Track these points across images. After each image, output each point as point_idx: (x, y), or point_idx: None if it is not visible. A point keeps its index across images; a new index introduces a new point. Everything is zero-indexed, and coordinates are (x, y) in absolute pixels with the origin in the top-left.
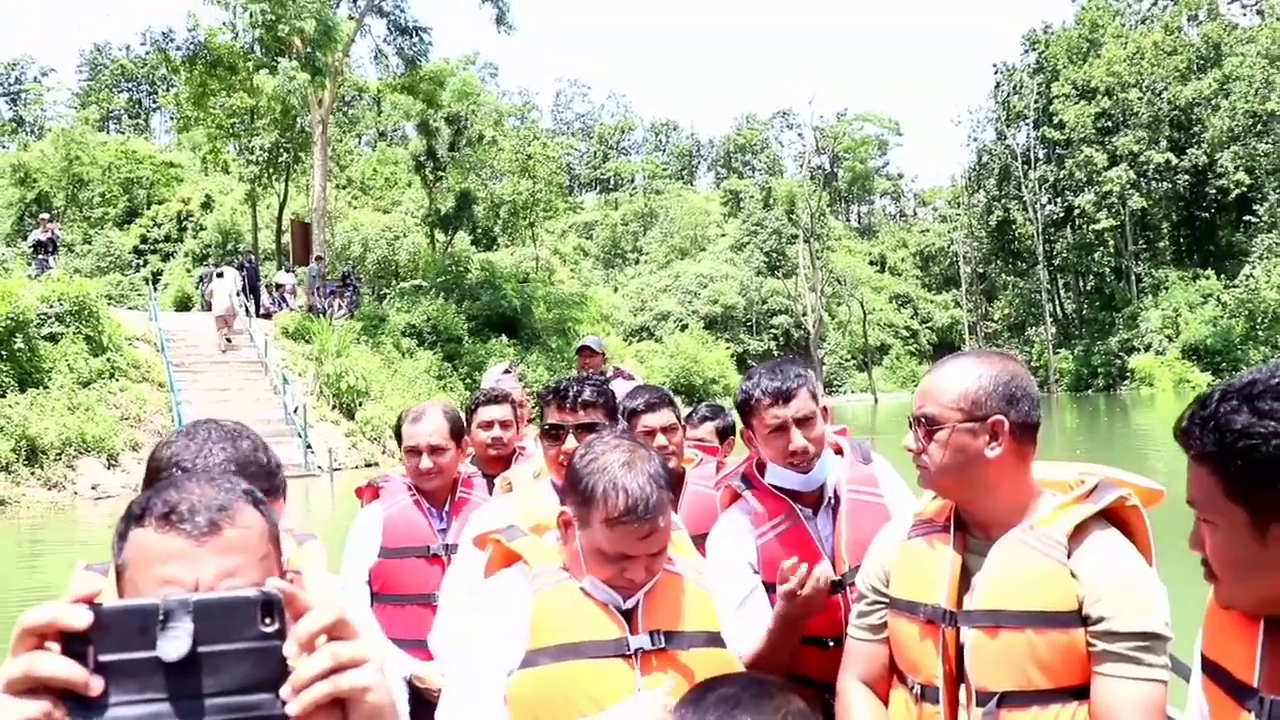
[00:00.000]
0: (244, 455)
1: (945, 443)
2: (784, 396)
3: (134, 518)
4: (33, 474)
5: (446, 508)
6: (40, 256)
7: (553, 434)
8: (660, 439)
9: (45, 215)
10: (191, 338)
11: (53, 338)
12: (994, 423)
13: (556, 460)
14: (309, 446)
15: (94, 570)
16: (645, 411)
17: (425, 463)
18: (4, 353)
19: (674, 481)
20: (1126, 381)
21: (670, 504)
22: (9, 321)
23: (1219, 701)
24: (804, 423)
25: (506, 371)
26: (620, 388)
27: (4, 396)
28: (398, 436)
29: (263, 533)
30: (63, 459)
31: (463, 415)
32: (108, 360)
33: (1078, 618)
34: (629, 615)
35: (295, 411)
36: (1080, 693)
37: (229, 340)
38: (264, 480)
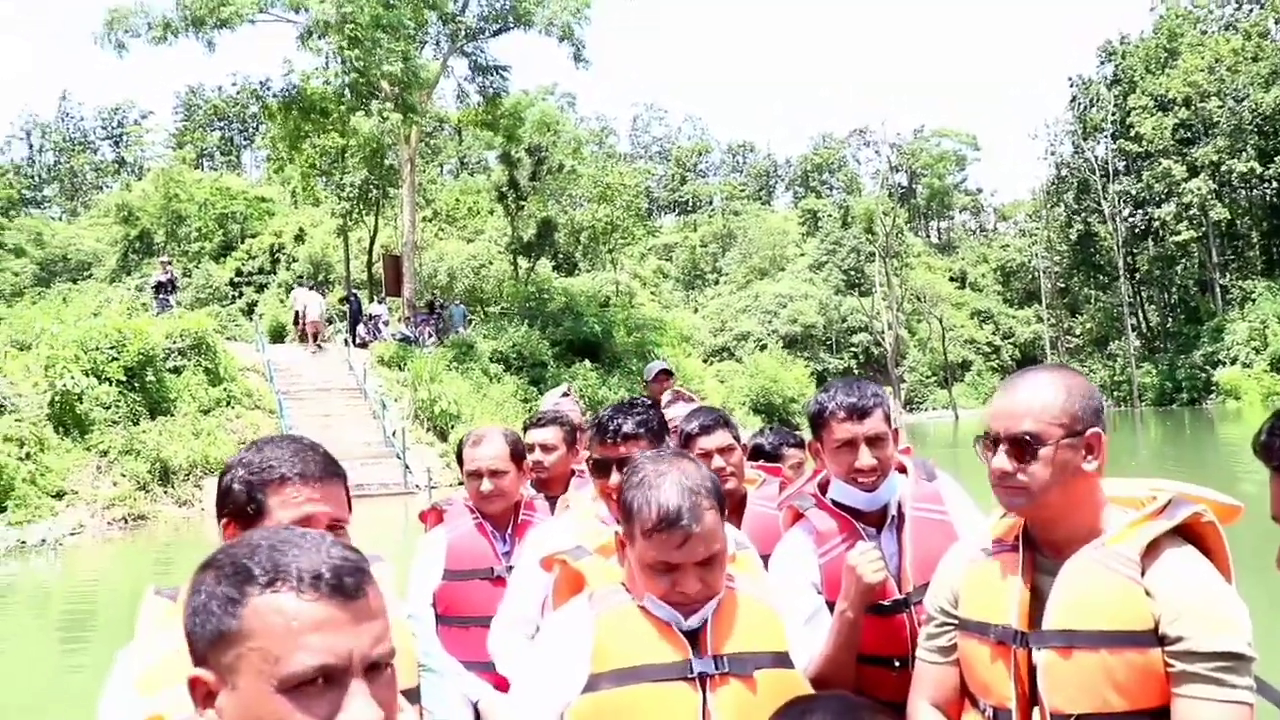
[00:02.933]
0: (302, 447)
1: (1050, 460)
2: (858, 413)
3: (255, 581)
4: (166, 492)
5: (509, 530)
6: (161, 296)
7: (598, 467)
8: (717, 460)
9: (165, 259)
10: (296, 368)
11: (176, 370)
12: (1091, 436)
13: (605, 493)
14: (407, 467)
15: (163, 595)
16: (700, 434)
17: (486, 485)
18: (137, 384)
19: (735, 503)
20: (1212, 395)
21: (718, 513)
22: (141, 357)
23: None
24: (874, 441)
25: (565, 394)
26: (678, 411)
27: (137, 424)
28: (459, 460)
29: (382, 588)
30: (190, 479)
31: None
32: (224, 390)
33: (1154, 637)
34: (695, 637)
35: (393, 434)
36: (1159, 715)
37: (320, 347)
38: (322, 464)
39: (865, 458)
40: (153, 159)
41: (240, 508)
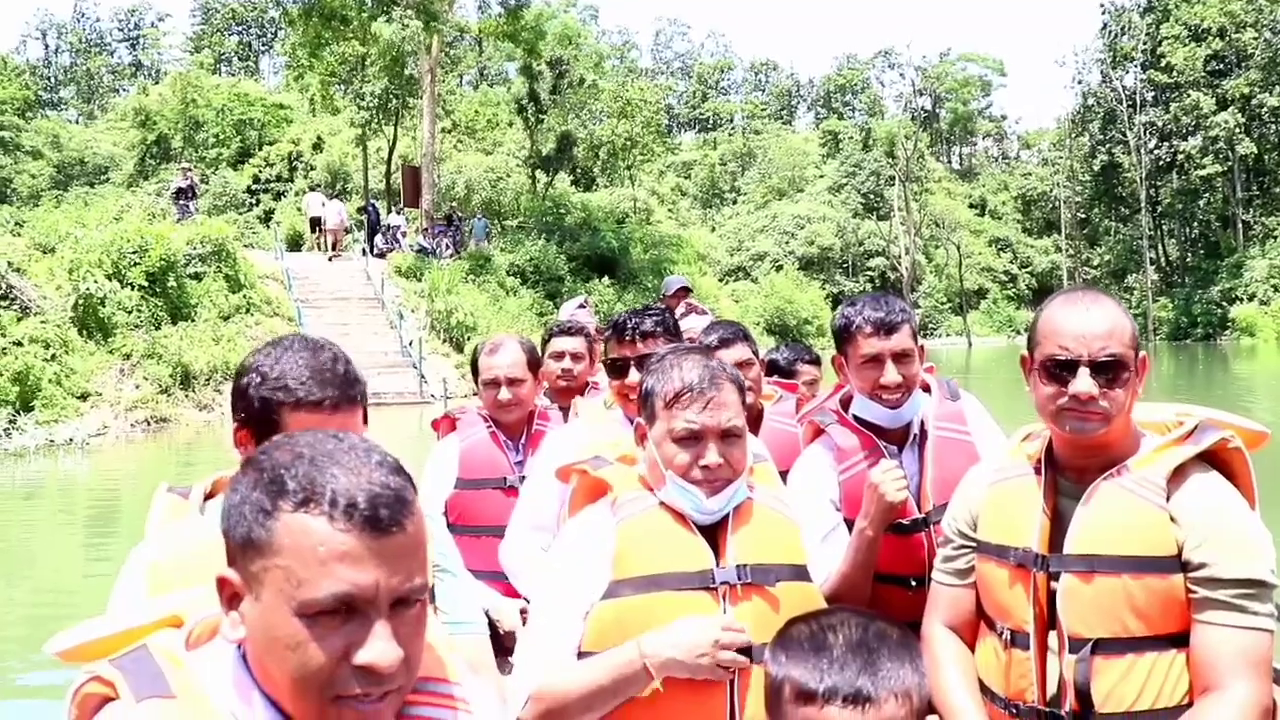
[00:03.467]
0: (321, 364)
1: (1128, 384)
2: (886, 328)
3: (290, 497)
4: (186, 396)
5: (523, 440)
6: (181, 203)
7: (614, 368)
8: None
9: (185, 165)
10: (314, 276)
11: (197, 277)
12: (1144, 358)
13: (621, 394)
14: (423, 377)
15: (175, 492)
16: (719, 347)
17: (503, 394)
18: (159, 289)
19: (752, 418)
20: (1227, 332)
21: (739, 395)
22: (162, 262)
23: None
24: (901, 358)
25: (582, 306)
26: (694, 324)
27: (159, 329)
28: (474, 369)
29: (424, 519)
30: (210, 384)
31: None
32: (244, 296)
33: (1177, 563)
34: (715, 544)
35: (410, 344)
36: (1178, 641)
37: (339, 255)
38: (337, 389)
39: (891, 374)
40: (169, 63)
41: (254, 418)
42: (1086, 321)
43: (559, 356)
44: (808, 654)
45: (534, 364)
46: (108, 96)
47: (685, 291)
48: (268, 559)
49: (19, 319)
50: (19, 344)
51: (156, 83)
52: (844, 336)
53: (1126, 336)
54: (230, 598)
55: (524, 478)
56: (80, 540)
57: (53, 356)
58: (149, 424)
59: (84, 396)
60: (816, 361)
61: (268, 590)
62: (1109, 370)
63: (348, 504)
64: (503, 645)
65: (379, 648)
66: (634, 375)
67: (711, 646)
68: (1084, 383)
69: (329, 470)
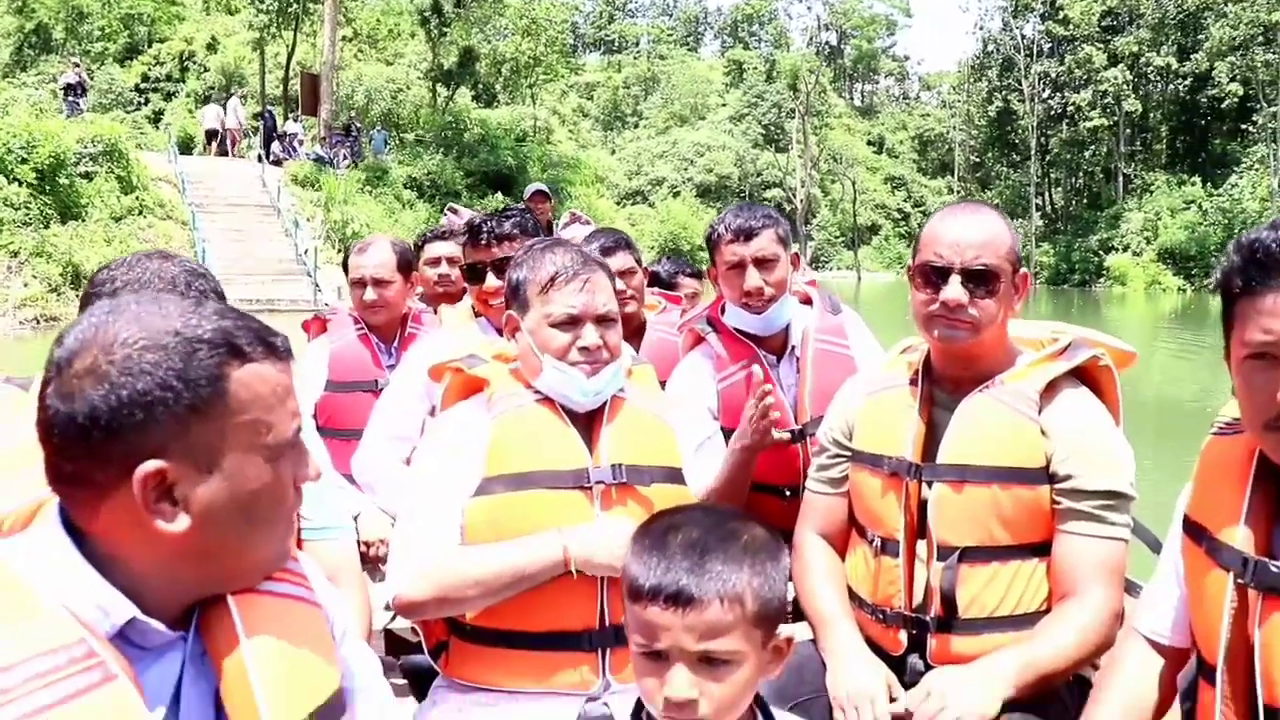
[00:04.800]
0: (172, 278)
1: (1000, 296)
2: (745, 234)
3: (234, 352)
4: (76, 295)
5: (395, 343)
6: (70, 99)
7: (472, 273)
8: (618, 283)
9: (75, 59)
10: (208, 181)
11: (88, 176)
12: (1024, 276)
13: (481, 299)
14: (317, 285)
15: (13, 383)
16: (603, 255)
17: (369, 294)
18: (48, 188)
19: (635, 328)
20: (1102, 280)
21: (610, 281)
22: (51, 160)
23: (1198, 561)
24: (764, 264)
25: (454, 211)
26: (576, 232)
27: (48, 227)
28: (345, 269)
29: None
30: None
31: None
32: (136, 198)
33: (1045, 475)
34: (590, 443)
35: (305, 253)
36: (1040, 550)
37: (240, 156)
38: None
39: (752, 279)
40: None
41: None
42: (962, 230)
43: (435, 262)
44: (646, 550)
45: (405, 266)
46: None
47: (544, 197)
48: (226, 420)
49: None
50: None
51: None
52: (711, 245)
53: (1003, 249)
54: (162, 490)
55: None
56: None
57: None
58: (38, 322)
59: None
60: (698, 275)
61: (233, 450)
62: (980, 279)
63: (263, 343)
64: (367, 555)
65: (311, 460)
66: (492, 280)
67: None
68: (954, 290)
69: (232, 320)
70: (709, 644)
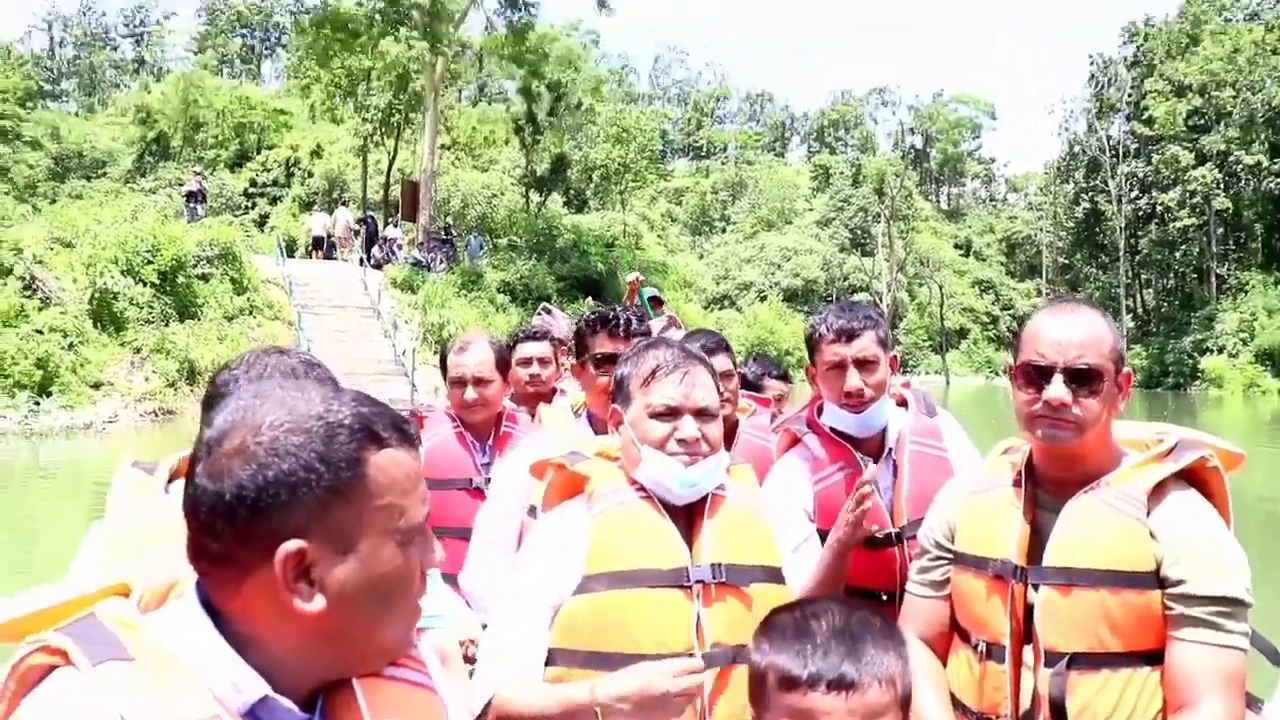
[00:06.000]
0: (291, 368)
1: (1103, 395)
2: (847, 335)
3: (373, 438)
4: (192, 390)
5: (490, 441)
6: (191, 205)
7: (605, 361)
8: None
9: (198, 170)
10: (314, 284)
11: (204, 277)
12: (1127, 374)
13: (606, 390)
14: (414, 385)
15: (140, 467)
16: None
17: (470, 394)
18: (169, 288)
19: (727, 430)
20: (1197, 382)
21: (713, 378)
22: (173, 262)
23: None
24: (864, 365)
25: (548, 311)
26: (673, 335)
27: (168, 325)
28: (443, 367)
29: None
30: None
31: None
32: (248, 299)
33: (1155, 579)
34: (690, 541)
35: (403, 354)
36: (1153, 658)
37: (345, 260)
38: None
39: (853, 380)
40: (173, 60)
41: None
42: (1065, 329)
43: (527, 363)
44: (791, 641)
45: (503, 365)
46: (109, 91)
47: (657, 302)
48: (364, 503)
49: (41, 308)
50: (40, 332)
51: (159, 80)
52: (811, 345)
53: (1105, 348)
54: (300, 570)
55: (490, 480)
56: (83, 518)
57: (70, 346)
58: (156, 415)
59: (97, 385)
60: (784, 377)
61: (369, 534)
62: (1083, 379)
63: (398, 430)
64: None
65: (438, 549)
66: None
67: (662, 697)
68: (1057, 389)
69: (368, 408)
70: None
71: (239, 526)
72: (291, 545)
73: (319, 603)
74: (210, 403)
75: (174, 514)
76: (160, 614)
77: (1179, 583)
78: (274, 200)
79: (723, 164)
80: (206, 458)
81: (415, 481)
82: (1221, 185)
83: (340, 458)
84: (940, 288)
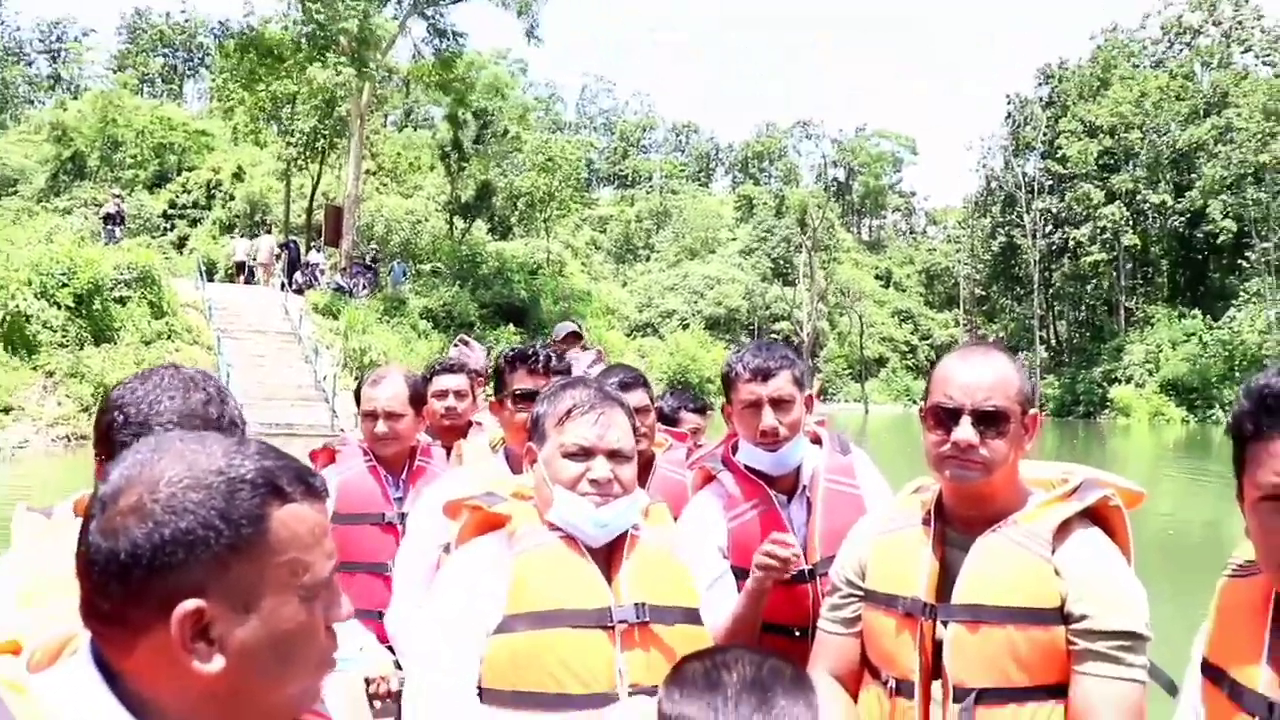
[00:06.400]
0: (191, 408)
1: (1010, 436)
2: (763, 374)
3: (276, 493)
4: None
5: (404, 476)
6: (109, 227)
7: (523, 398)
8: (634, 421)
9: (116, 192)
10: (233, 307)
11: (121, 301)
12: (1033, 417)
13: (524, 427)
14: (334, 412)
15: (35, 512)
16: (620, 391)
17: (381, 427)
18: (84, 311)
19: (643, 465)
20: (1106, 411)
21: (628, 420)
22: (90, 285)
23: (1220, 706)
24: (779, 404)
25: (465, 342)
26: (594, 369)
27: (82, 349)
28: (357, 399)
29: None
30: None
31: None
32: (166, 323)
33: (1059, 615)
34: (609, 577)
35: (324, 380)
36: (1058, 691)
37: (267, 283)
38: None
39: (768, 419)
40: (91, 79)
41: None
42: (973, 373)
43: (443, 395)
44: (702, 692)
45: (416, 399)
46: (22, 107)
47: (575, 337)
48: (266, 560)
49: None
50: None
51: (75, 98)
52: (727, 383)
53: (1012, 391)
54: (198, 629)
55: (404, 515)
56: None
57: None
58: (69, 440)
59: (7, 410)
60: (701, 410)
61: (271, 591)
62: (991, 420)
63: (303, 484)
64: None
65: (345, 599)
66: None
67: None
68: (965, 430)
69: (261, 462)
70: None
71: (133, 586)
72: (189, 605)
73: (218, 663)
74: (99, 432)
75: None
76: (51, 674)
77: (1082, 618)
78: (194, 222)
79: (648, 193)
80: (101, 514)
81: (320, 536)
82: (1130, 222)
83: (241, 514)
84: (860, 317)
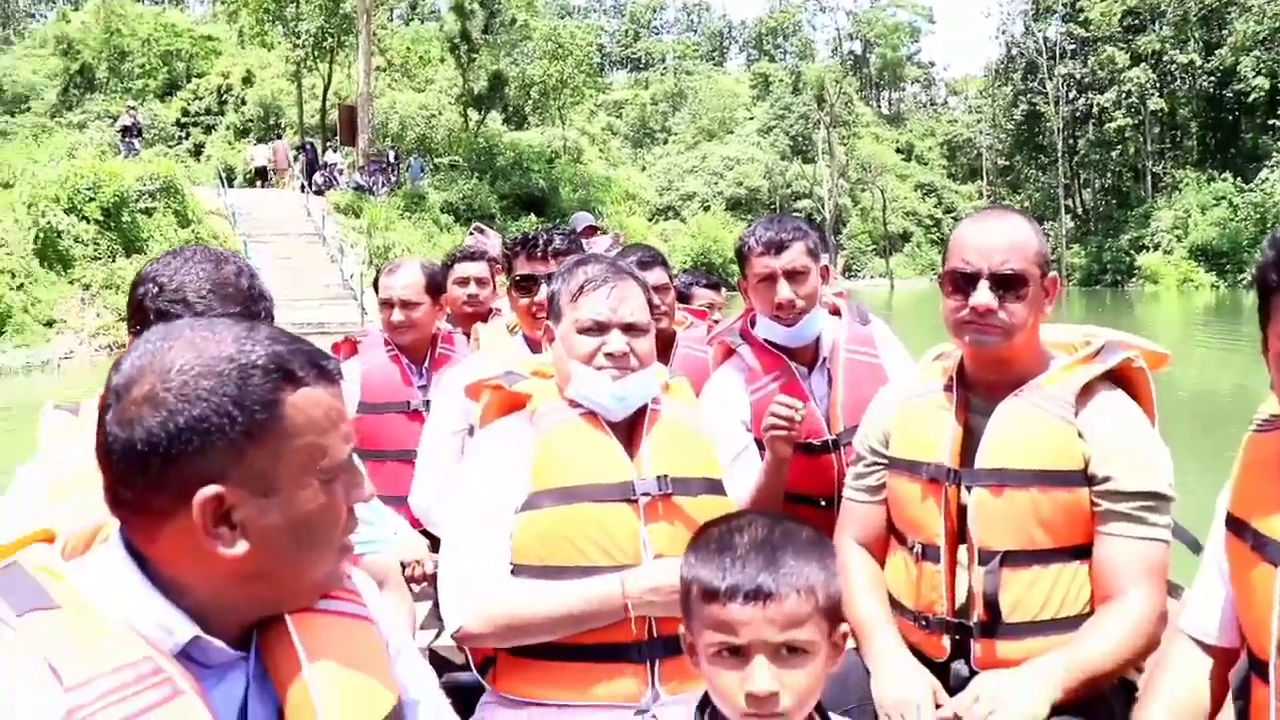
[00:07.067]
0: (224, 278)
1: (1029, 300)
2: (776, 247)
3: (288, 378)
4: None
5: (426, 364)
6: (127, 140)
7: (523, 285)
8: (652, 298)
9: (131, 104)
10: (255, 212)
11: (147, 212)
12: (1051, 280)
13: (529, 312)
14: (364, 309)
15: (63, 409)
16: (638, 269)
17: (396, 315)
18: (113, 224)
19: (664, 342)
20: (1134, 279)
21: (644, 294)
22: (115, 198)
23: (1243, 557)
24: (794, 276)
25: (481, 230)
26: (610, 252)
27: (114, 261)
28: (376, 290)
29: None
30: None
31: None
32: (192, 231)
33: (1083, 477)
34: (631, 452)
35: (350, 278)
36: (1081, 552)
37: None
38: (240, 305)
39: (783, 291)
40: None
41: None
42: (989, 236)
43: (464, 282)
44: (714, 554)
45: (434, 288)
46: (24, 21)
47: (593, 231)
48: (282, 445)
49: None
50: None
51: (77, 9)
52: (741, 258)
53: (1031, 253)
54: (220, 514)
55: (428, 402)
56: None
57: (20, 286)
58: (111, 349)
59: (50, 324)
60: (715, 287)
61: (290, 475)
62: (1009, 284)
63: (315, 367)
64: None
65: (367, 481)
66: (543, 292)
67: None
68: (982, 295)
69: (272, 347)
70: (790, 634)
71: (152, 474)
72: (209, 491)
73: (241, 547)
74: (133, 305)
75: None
76: (85, 560)
77: (1106, 480)
78: (208, 129)
79: (661, 75)
80: (115, 404)
81: (336, 419)
82: (1156, 85)
83: (255, 400)
84: (882, 192)
